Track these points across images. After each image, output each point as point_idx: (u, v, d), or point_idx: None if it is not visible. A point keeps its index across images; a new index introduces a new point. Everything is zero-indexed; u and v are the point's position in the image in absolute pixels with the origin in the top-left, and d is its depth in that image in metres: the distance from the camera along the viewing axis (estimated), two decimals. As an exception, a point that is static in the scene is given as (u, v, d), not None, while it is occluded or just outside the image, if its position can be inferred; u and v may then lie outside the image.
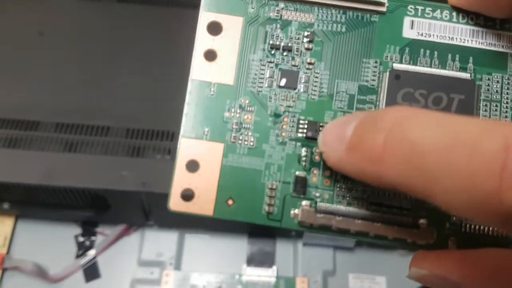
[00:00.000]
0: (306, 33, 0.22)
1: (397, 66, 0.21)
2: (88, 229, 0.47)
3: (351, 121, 0.18)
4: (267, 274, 0.44)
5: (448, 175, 0.14)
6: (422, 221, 0.20)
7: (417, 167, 0.15)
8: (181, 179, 0.20)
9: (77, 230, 0.47)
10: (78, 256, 0.46)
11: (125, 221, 0.46)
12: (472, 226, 0.20)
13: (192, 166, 0.20)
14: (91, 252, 0.46)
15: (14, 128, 0.43)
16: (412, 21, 0.22)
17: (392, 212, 0.20)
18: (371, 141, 0.16)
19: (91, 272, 0.45)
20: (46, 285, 0.44)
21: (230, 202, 0.20)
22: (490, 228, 0.20)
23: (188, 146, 0.21)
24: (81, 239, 0.47)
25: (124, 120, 0.44)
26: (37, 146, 0.42)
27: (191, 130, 0.21)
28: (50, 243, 0.46)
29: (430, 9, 0.22)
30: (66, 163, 0.41)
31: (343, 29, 0.22)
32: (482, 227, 0.20)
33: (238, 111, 0.21)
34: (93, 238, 0.47)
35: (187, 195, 0.20)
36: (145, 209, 0.43)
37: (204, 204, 0.20)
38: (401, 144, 0.15)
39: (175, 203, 0.20)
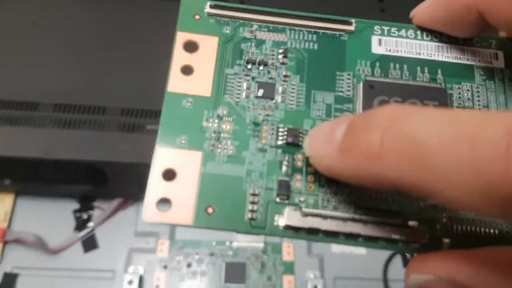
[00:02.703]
0: (280, 50, 0.22)
1: (370, 77, 0.22)
2: (86, 204, 0.49)
3: (340, 123, 0.17)
4: (256, 240, 0.46)
5: (452, 169, 0.14)
6: (412, 223, 0.19)
7: (419, 163, 0.14)
8: (156, 188, 0.19)
9: (75, 205, 0.49)
10: (77, 229, 0.47)
11: (121, 195, 0.48)
12: (464, 227, 0.19)
13: (169, 174, 0.19)
14: (89, 225, 0.47)
15: (15, 108, 0.44)
16: (380, 39, 0.23)
17: (380, 215, 0.19)
18: (367, 139, 0.16)
19: (89, 243, 0.47)
20: (46, 256, 0.45)
21: (210, 210, 0.19)
22: (482, 229, 0.19)
23: (164, 155, 0.20)
24: (79, 213, 0.48)
25: (119, 100, 0.45)
26: (36, 124, 0.43)
27: (168, 138, 0.20)
28: (49, 219, 0.47)
29: (396, 29, 0.23)
30: (65, 138, 0.43)
31: (315, 47, 0.22)
32: (473, 228, 0.19)
33: (216, 120, 0.21)
34: (90, 212, 0.48)
35: (164, 205, 0.19)
36: (141, 182, 0.43)
37: (182, 213, 0.19)
38: (400, 140, 0.15)
39: (151, 214, 0.19)
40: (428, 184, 0.14)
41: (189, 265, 0.44)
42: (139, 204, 0.48)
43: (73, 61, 0.48)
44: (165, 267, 0.44)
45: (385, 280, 0.43)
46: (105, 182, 0.46)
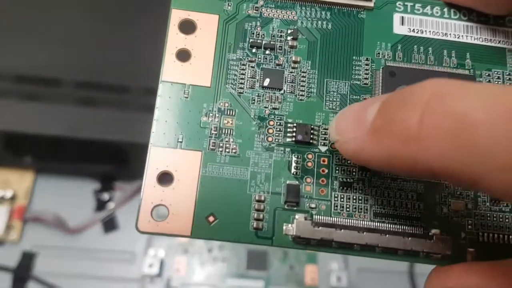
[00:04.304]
0: (289, 31, 0.20)
1: (390, 63, 0.19)
2: (107, 184, 0.47)
3: (371, 103, 0.15)
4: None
5: (503, 149, 0.12)
6: (434, 231, 0.17)
7: (465, 143, 0.12)
8: (151, 194, 0.17)
9: (96, 185, 0.47)
10: (97, 209, 0.46)
11: (143, 176, 0.45)
12: (491, 235, 0.18)
13: (165, 179, 0.17)
14: (110, 206, 0.46)
15: (38, 84, 0.43)
16: (402, 17, 0.20)
17: (400, 223, 0.17)
18: (404, 118, 0.13)
19: (110, 224, 0.45)
20: (65, 236, 0.44)
21: (211, 218, 0.17)
22: (511, 237, 0.18)
23: (159, 156, 0.18)
24: (100, 193, 0.47)
25: (144, 80, 0.43)
26: (59, 102, 0.42)
27: (163, 138, 0.18)
28: (69, 198, 0.46)
29: (420, 5, 0.20)
30: (87, 117, 0.41)
31: (329, 26, 0.20)
32: (502, 236, 0.18)
33: (217, 115, 0.18)
34: (112, 193, 0.47)
35: (160, 212, 0.17)
36: None
37: (179, 223, 0.17)
38: (444, 118, 0.13)
39: (145, 223, 0.17)
40: (474, 167, 0.12)
41: (210, 250, 0.43)
42: None
43: (98, 38, 0.45)
44: (185, 251, 0.43)
45: (411, 273, 0.42)
46: (127, 163, 0.45)
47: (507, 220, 0.18)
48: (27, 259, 0.42)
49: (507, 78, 0.19)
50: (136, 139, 0.40)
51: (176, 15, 0.19)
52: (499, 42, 0.20)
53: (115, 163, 0.45)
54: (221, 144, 0.18)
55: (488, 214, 0.18)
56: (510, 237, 0.18)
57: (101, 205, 0.46)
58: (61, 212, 0.44)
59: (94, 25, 0.46)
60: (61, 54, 0.44)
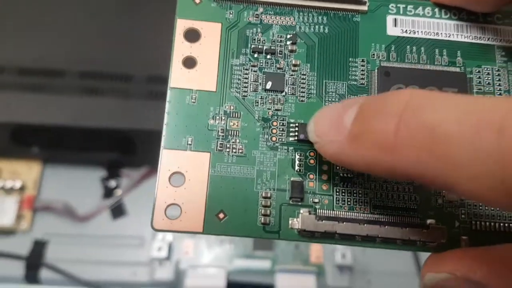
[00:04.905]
0: (288, 36, 0.21)
1: (385, 63, 0.20)
2: (114, 171, 0.48)
3: (349, 105, 0.16)
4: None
5: (474, 160, 0.13)
6: (430, 221, 0.18)
7: (439, 154, 0.13)
8: (164, 194, 0.18)
9: (103, 173, 0.48)
10: (105, 197, 0.47)
11: (149, 163, 0.47)
12: (483, 223, 0.19)
13: (176, 179, 0.19)
14: (117, 192, 0.47)
15: (42, 76, 0.44)
16: (395, 19, 0.21)
17: (398, 214, 0.19)
18: (381, 127, 0.14)
19: (118, 210, 0.47)
20: (75, 223, 0.46)
21: (221, 215, 0.18)
22: (502, 224, 0.19)
23: (170, 158, 0.19)
24: (107, 181, 0.48)
25: (146, 68, 0.44)
26: (63, 92, 0.43)
27: (173, 140, 0.19)
28: (77, 186, 0.47)
29: (412, 6, 0.21)
30: (92, 106, 0.42)
31: (326, 30, 0.21)
32: (493, 224, 0.19)
33: (223, 117, 0.19)
34: (118, 180, 0.48)
35: (173, 210, 0.18)
36: None
37: (192, 220, 0.18)
38: (418, 129, 0.14)
39: (159, 222, 0.18)
40: (447, 176, 0.13)
41: None
42: None
43: (99, 28, 0.46)
44: (193, 235, 0.43)
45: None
46: (133, 150, 0.46)
47: (497, 209, 0.19)
48: (39, 247, 0.44)
49: (496, 74, 0.21)
50: (140, 126, 0.42)
51: (181, 25, 0.20)
52: (488, 39, 0.21)
53: (120, 150, 0.46)
54: (228, 145, 0.19)
55: (480, 204, 0.19)
56: (501, 224, 0.19)
57: (108, 192, 0.48)
58: (69, 201, 0.46)
59: (95, 15, 0.47)
60: (63, 45, 0.45)
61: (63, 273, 0.42)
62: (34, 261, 0.43)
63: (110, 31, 0.46)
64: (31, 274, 0.43)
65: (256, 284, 0.41)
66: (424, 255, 0.42)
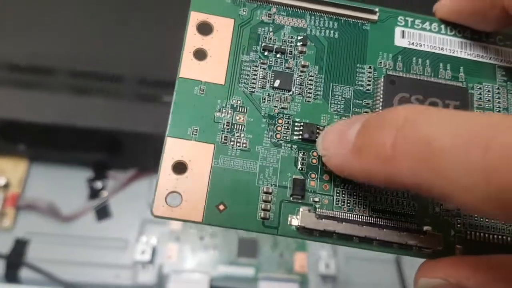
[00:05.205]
0: (299, 37, 0.21)
1: (391, 72, 0.21)
2: (100, 173, 0.48)
3: (353, 122, 0.17)
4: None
5: (463, 173, 0.13)
6: (426, 228, 0.19)
7: (431, 166, 0.14)
8: (166, 181, 0.18)
9: (90, 173, 0.48)
10: (90, 198, 0.47)
11: (136, 166, 0.47)
12: (478, 234, 0.19)
13: (179, 168, 0.19)
14: (103, 194, 0.47)
15: (31, 73, 0.43)
16: (403, 31, 0.22)
17: (396, 219, 0.19)
18: (380, 140, 0.15)
19: (103, 212, 0.46)
20: (58, 223, 0.45)
21: (221, 207, 0.18)
22: (496, 236, 0.19)
23: (174, 147, 0.19)
24: (93, 182, 0.48)
25: (137, 70, 0.44)
26: (52, 90, 0.42)
27: (179, 129, 0.19)
28: (63, 186, 0.47)
29: (420, 21, 0.22)
30: (81, 105, 0.42)
31: (336, 35, 0.21)
32: (487, 235, 0.19)
33: (230, 111, 0.20)
34: (105, 181, 0.48)
35: (173, 198, 0.18)
36: (156, 153, 0.43)
37: (192, 209, 0.18)
38: (414, 142, 0.14)
39: (159, 208, 0.18)
40: (442, 187, 0.14)
41: (201, 238, 0.44)
42: (153, 176, 0.48)
43: (91, 28, 0.46)
44: (177, 239, 0.44)
45: (398, 262, 0.44)
46: (120, 152, 0.45)
47: (492, 221, 0.19)
48: (20, 246, 0.43)
49: (496, 92, 0.21)
50: (129, 128, 0.41)
51: (195, 17, 0.21)
52: (490, 58, 0.22)
53: (108, 151, 0.46)
54: (232, 139, 0.19)
55: (475, 215, 0.19)
56: (495, 236, 0.19)
57: (94, 193, 0.47)
58: (54, 200, 0.45)
59: (88, 14, 0.47)
60: (55, 43, 0.45)
61: (44, 273, 0.41)
62: (15, 260, 0.42)
63: (104, 32, 0.46)
64: (11, 273, 0.42)
65: (240, 291, 0.41)
66: (408, 267, 0.43)
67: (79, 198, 0.46)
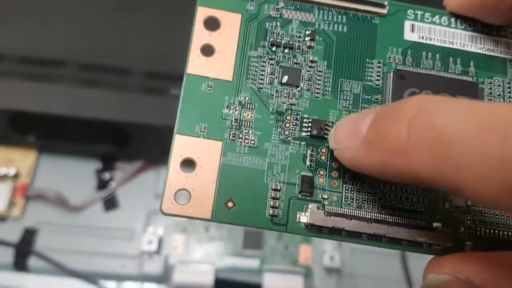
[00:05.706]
0: (307, 32, 0.21)
1: (401, 67, 0.21)
2: (108, 164, 0.49)
3: (365, 115, 0.16)
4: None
5: (479, 162, 0.13)
6: (436, 224, 0.19)
7: (445, 156, 0.14)
8: (175, 179, 0.18)
9: (98, 165, 0.48)
10: (98, 188, 0.47)
11: (143, 158, 0.48)
12: (488, 230, 0.19)
13: (188, 165, 0.18)
14: (111, 185, 0.47)
15: (41, 65, 0.44)
16: (413, 24, 0.21)
17: (405, 215, 0.19)
18: (393, 132, 0.15)
19: (110, 203, 0.47)
20: (67, 213, 0.45)
21: (230, 204, 0.18)
22: (506, 232, 0.19)
23: (183, 144, 0.19)
24: (101, 173, 0.48)
25: (145, 63, 0.44)
26: (62, 82, 0.43)
27: (187, 126, 0.19)
28: (71, 177, 0.47)
29: (429, 14, 0.22)
30: (89, 97, 0.42)
31: (345, 29, 0.21)
32: (497, 232, 0.19)
33: (238, 108, 0.19)
34: (112, 172, 0.48)
35: (182, 196, 0.18)
36: (163, 146, 0.44)
37: (201, 207, 0.18)
38: (427, 132, 0.14)
39: (169, 206, 0.18)
40: (453, 177, 0.14)
41: (207, 230, 0.44)
42: (159, 167, 0.48)
43: (100, 20, 0.46)
44: (183, 230, 0.44)
45: (403, 255, 0.44)
46: (128, 144, 0.46)
47: (502, 218, 0.19)
48: (29, 235, 0.44)
49: (507, 86, 0.21)
50: (137, 120, 0.42)
51: (202, 12, 0.20)
52: (501, 52, 0.21)
53: (116, 143, 0.46)
54: (240, 136, 0.19)
55: (486, 211, 0.19)
56: (505, 232, 0.19)
57: (102, 184, 0.48)
58: (63, 190, 0.45)
59: (97, 7, 0.47)
60: (65, 36, 0.45)
61: (52, 262, 0.42)
62: (24, 249, 0.43)
63: (112, 25, 0.46)
64: (20, 262, 0.42)
65: (244, 283, 0.41)
66: (413, 260, 0.43)
67: (87, 189, 0.47)
